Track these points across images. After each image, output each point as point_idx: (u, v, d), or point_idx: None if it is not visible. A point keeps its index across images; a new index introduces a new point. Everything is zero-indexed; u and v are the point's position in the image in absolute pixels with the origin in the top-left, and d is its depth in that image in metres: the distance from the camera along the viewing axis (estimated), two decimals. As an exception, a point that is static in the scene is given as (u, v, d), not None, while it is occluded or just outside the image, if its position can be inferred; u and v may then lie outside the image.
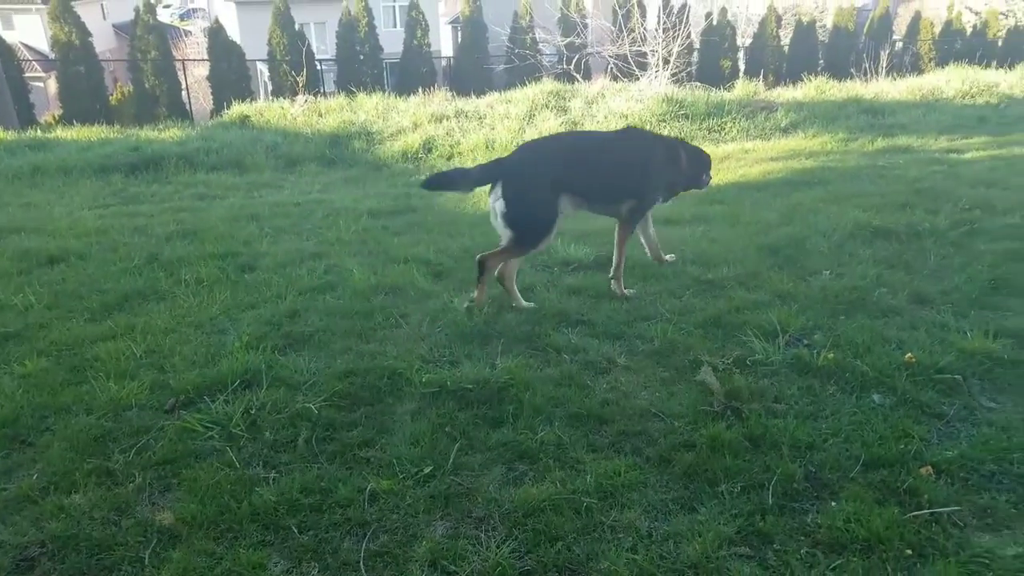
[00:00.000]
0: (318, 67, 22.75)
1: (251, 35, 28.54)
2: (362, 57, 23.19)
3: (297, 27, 22.74)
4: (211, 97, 21.91)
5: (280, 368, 3.57)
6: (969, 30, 26.78)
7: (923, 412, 3.14)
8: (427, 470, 2.82)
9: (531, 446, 2.97)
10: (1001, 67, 17.09)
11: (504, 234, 4.11)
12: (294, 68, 16.57)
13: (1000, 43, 26.17)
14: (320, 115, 12.14)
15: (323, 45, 29.70)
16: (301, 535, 2.54)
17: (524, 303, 4.30)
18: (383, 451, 2.96)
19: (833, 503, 2.62)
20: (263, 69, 23.84)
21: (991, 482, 2.73)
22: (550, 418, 3.17)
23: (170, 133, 12.41)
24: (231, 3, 34.00)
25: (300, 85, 14.19)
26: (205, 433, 3.11)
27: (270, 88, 22.10)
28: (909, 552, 2.39)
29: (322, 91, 19.56)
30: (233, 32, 28.24)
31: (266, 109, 12.87)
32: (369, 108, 12.17)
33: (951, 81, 14.63)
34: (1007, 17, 28.19)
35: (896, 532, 2.45)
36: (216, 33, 21.79)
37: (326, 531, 2.57)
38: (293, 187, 8.56)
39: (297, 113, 12.26)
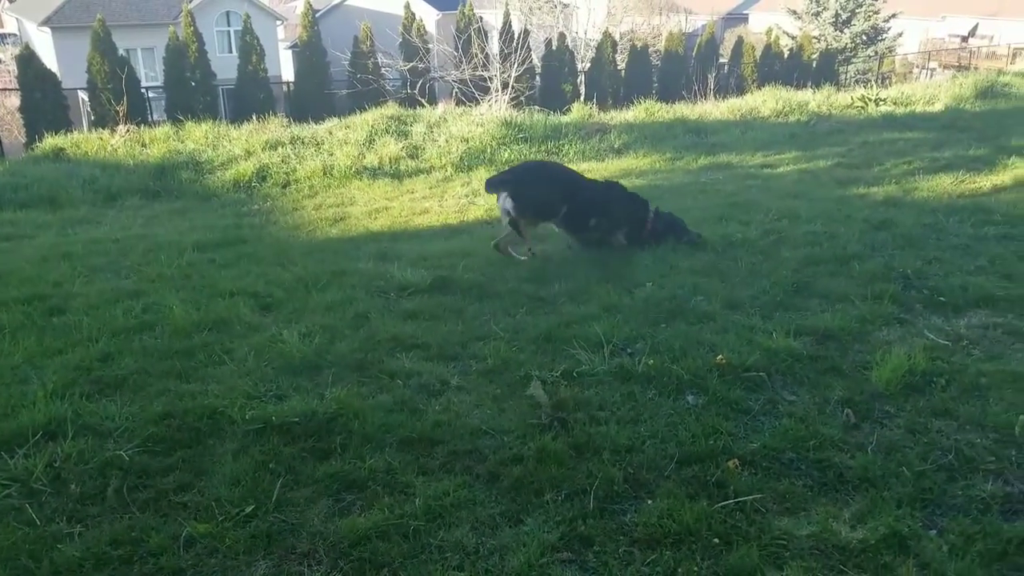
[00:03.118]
0: (145, 94, 21.59)
1: (71, 62, 26.67)
2: (193, 84, 22.25)
3: (122, 52, 21.50)
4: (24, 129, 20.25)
5: (89, 416, 3.34)
6: (786, 53, 29.11)
7: (732, 409, 3.36)
8: (248, 509, 2.72)
9: (360, 475, 2.93)
10: (815, 86, 18.62)
11: None
12: (116, 96, 15.60)
13: (814, 65, 28.64)
14: (144, 145, 11.45)
15: (152, 72, 28.23)
16: (108, 591, 2.39)
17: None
18: (201, 494, 2.83)
19: (649, 501, 2.75)
20: (86, 98, 22.32)
21: (790, 469, 2.96)
22: (381, 445, 3.14)
23: (-26, 169, 11.36)
24: (47, 28, 31.70)
25: (121, 114, 13.35)
26: (2, 491, 2.87)
27: (93, 118, 20.67)
28: (716, 540, 2.54)
29: (151, 120, 18.56)
30: (50, 59, 26.36)
31: (83, 141, 12.00)
32: (198, 136, 11.63)
33: (767, 101, 15.71)
34: (819, 41, 30.97)
35: (705, 523, 2.60)
36: (28, 60, 20.15)
37: (137, 584, 2.42)
38: (113, 222, 8.03)
39: (118, 144, 11.52)
